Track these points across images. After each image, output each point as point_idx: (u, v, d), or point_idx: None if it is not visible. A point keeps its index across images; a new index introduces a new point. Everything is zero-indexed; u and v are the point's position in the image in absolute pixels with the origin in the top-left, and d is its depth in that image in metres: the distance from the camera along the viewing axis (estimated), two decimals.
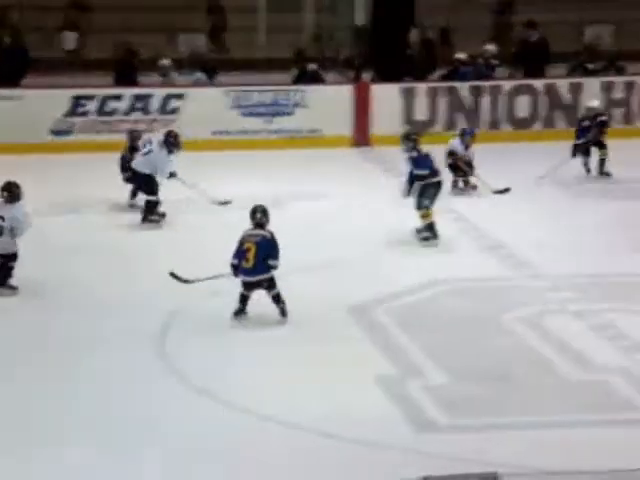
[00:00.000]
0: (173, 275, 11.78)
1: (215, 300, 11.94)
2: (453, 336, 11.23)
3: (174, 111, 18.91)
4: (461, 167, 15.78)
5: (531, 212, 15.27)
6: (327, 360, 10.64)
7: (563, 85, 19.57)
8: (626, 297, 12.25)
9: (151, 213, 14.66)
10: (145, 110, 18.91)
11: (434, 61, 20.22)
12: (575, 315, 11.73)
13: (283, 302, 11.45)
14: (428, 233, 13.82)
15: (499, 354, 10.86)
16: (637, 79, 19.70)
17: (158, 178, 14.63)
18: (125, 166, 15.20)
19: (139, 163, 14.76)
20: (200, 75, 19.73)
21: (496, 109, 19.45)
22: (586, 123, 16.75)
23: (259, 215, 11.42)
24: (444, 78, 19.83)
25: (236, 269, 11.38)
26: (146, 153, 14.80)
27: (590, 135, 16.64)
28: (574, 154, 16.56)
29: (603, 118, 16.93)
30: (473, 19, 21.54)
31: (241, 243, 11.37)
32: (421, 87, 19.46)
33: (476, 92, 19.39)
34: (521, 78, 20.02)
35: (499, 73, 20.04)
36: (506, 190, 15.44)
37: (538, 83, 19.62)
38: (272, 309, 11.49)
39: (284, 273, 11.57)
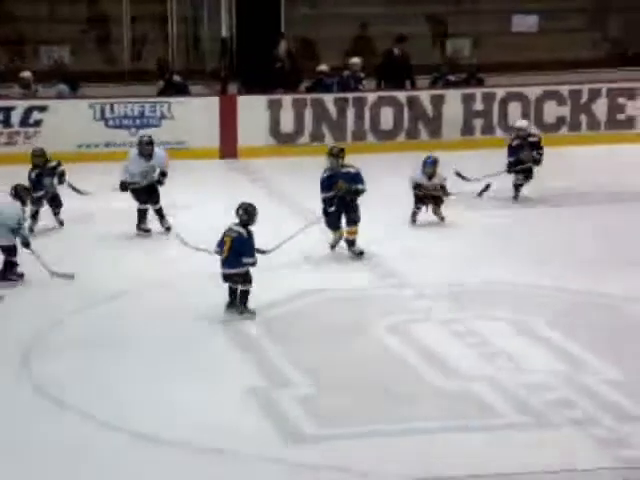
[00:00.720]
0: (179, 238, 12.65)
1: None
2: (322, 346, 11.29)
3: (38, 123, 18.69)
4: (428, 198, 15.21)
5: (399, 222, 15.37)
6: (196, 373, 10.63)
7: (425, 97, 19.80)
8: (490, 304, 12.43)
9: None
10: (6, 123, 18.65)
11: (299, 73, 20.29)
12: (440, 323, 11.89)
13: (245, 302, 11.96)
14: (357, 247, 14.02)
15: (368, 363, 10.94)
16: (496, 90, 20.00)
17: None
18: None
19: None
20: (63, 87, 19.51)
21: (362, 120, 19.60)
22: (517, 142, 16.51)
23: (241, 212, 11.97)
24: (309, 90, 19.92)
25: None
26: None
27: (524, 155, 16.40)
28: (509, 171, 16.39)
29: (535, 139, 16.69)
30: (334, 31, 21.72)
31: (222, 235, 11.96)
32: (287, 99, 19.52)
33: (341, 104, 19.52)
34: (385, 90, 20.17)
35: (366, 85, 20.14)
36: (487, 187, 16.07)
37: (401, 95, 19.83)
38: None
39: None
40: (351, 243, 13.95)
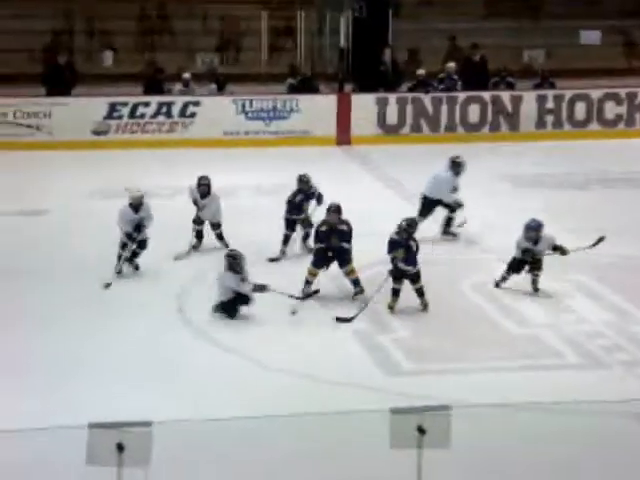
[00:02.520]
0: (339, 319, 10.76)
1: None
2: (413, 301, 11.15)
3: (193, 115, 18.96)
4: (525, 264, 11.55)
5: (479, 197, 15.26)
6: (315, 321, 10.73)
7: (506, 96, 19.60)
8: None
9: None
10: (168, 114, 18.95)
11: (400, 76, 20.27)
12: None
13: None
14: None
15: (455, 313, 10.96)
16: (565, 92, 19.73)
17: None
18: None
19: None
20: (213, 86, 19.75)
21: (453, 115, 19.48)
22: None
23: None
24: (410, 90, 19.86)
25: None
26: None
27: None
28: None
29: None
30: (432, 42, 21.67)
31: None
32: (392, 96, 19.50)
33: (438, 101, 19.46)
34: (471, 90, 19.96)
35: (461, 86, 19.94)
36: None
37: (486, 94, 19.67)
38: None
39: None
40: (355, 282, 11.37)
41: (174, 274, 11.99)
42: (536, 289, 11.44)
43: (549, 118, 19.54)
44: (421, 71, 19.78)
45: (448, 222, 13.37)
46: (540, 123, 19.53)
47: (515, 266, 11.44)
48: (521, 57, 22.33)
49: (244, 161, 17.49)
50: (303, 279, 11.19)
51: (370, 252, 11.62)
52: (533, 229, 11.32)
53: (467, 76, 19.99)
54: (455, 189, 13.33)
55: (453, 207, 13.30)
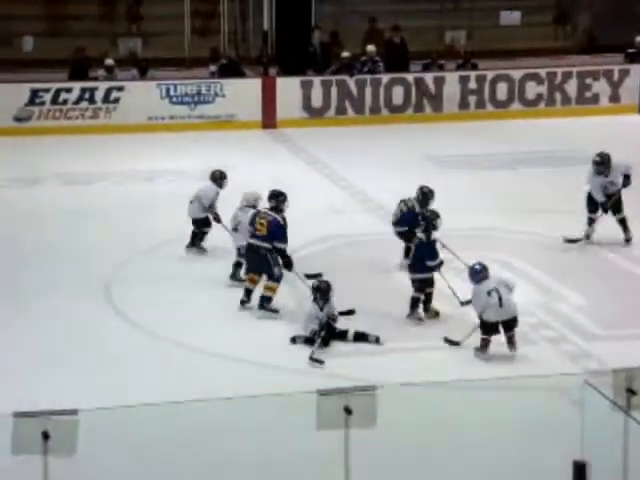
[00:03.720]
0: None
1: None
2: (346, 280, 11.12)
3: (116, 100, 18.73)
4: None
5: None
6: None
7: (429, 78, 19.69)
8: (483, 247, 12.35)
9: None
10: (91, 100, 18.69)
11: (329, 58, 20.26)
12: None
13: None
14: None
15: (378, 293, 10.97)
16: (487, 72, 19.87)
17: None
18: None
19: None
20: (134, 72, 19.53)
21: (377, 98, 19.52)
22: None
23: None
24: (334, 73, 19.83)
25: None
26: None
27: None
28: None
29: None
30: (354, 24, 21.70)
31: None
32: (317, 80, 19.47)
33: (363, 84, 19.46)
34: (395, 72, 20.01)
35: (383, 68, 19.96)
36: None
37: (409, 76, 19.74)
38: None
39: None
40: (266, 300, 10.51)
41: (104, 261, 11.86)
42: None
43: (472, 99, 19.69)
44: (346, 53, 19.78)
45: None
46: (463, 104, 19.68)
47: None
48: (443, 38, 22.46)
49: (169, 146, 17.34)
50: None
51: (300, 233, 11.57)
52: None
53: (389, 58, 20.06)
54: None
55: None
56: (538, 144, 17.38)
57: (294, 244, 11.20)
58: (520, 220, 13.10)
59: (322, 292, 9.74)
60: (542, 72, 19.86)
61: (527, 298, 10.74)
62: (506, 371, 9.03)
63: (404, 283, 10.67)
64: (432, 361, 9.37)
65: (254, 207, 11.08)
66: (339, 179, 15.36)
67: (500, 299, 9.38)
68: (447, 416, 7.55)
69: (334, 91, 19.38)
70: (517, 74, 19.78)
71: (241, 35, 22.51)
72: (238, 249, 11.14)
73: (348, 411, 5.78)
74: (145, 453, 7.11)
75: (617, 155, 12.37)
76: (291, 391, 6.71)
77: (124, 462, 7.09)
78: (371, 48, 19.79)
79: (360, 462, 6.14)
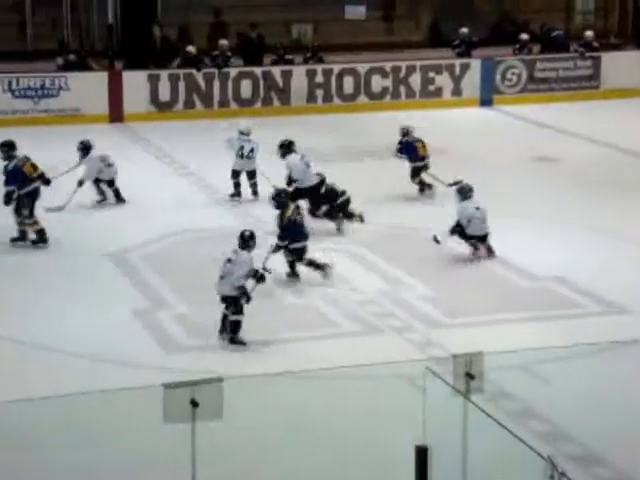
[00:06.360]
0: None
1: None
2: (193, 275, 11.21)
3: None
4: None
5: None
6: (90, 296, 10.60)
7: (277, 72, 19.81)
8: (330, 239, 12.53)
9: None
10: None
11: (171, 52, 20.14)
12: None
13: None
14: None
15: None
16: (334, 66, 20.10)
17: None
18: None
19: None
20: None
21: (225, 91, 19.53)
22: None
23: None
24: (180, 66, 19.73)
25: None
26: None
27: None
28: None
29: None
30: (202, 18, 21.61)
31: None
32: (164, 73, 19.35)
33: (211, 78, 19.43)
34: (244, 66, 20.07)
35: (233, 63, 19.97)
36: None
37: (257, 70, 19.81)
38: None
39: None
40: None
41: None
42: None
43: (319, 92, 19.88)
44: (191, 48, 19.71)
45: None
46: (310, 97, 19.86)
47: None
48: (290, 32, 22.60)
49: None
50: None
51: (148, 225, 11.53)
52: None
53: (244, 53, 20.11)
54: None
55: None
56: (384, 136, 17.69)
57: (144, 238, 11.15)
58: (369, 211, 13.30)
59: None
60: (387, 66, 20.22)
61: (375, 288, 10.98)
62: (354, 360, 9.20)
63: None
64: (281, 351, 9.47)
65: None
66: (187, 173, 15.32)
67: (483, 216, 11.60)
68: (294, 405, 7.65)
69: (181, 85, 19.30)
70: (363, 68, 20.08)
71: (85, 28, 22.14)
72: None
73: (195, 404, 5.81)
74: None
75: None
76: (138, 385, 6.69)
77: None
78: (223, 42, 19.79)
79: (207, 455, 6.18)
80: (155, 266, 11.59)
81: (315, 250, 11.12)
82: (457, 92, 20.39)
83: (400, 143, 14.31)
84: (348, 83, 19.95)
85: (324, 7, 22.45)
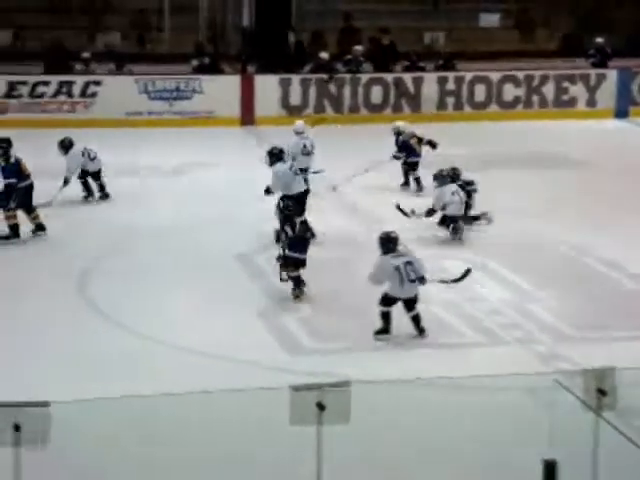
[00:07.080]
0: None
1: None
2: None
3: (94, 95, 18.69)
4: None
5: None
6: (221, 297, 10.70)
7: (408, 78, 19.77)
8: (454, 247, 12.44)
9: None
10: (69, 94, 18.64)
11: (304, 58, 20.31)
12: None
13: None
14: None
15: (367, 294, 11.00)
16: (465, 74, 19.97)
17: None
18: None
19: None
20: (112, 66, 19.51)
21: (356, 96, 19.59)
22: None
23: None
24: (312, 71, 19.87)
25: None
26: None
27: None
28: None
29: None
30: (336, 23, 21.74)
31: None
32: (295, 78, 19.51)
33: (342, 83, 19.52)
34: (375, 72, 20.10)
35: (365, 68, 20.05)
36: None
37: (389, 76, 19.81)
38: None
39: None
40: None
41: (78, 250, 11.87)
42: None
43: (450, 100, 19.77)
44: (324, 54, 19.81)
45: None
46: (441, 104, 19.76)
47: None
48: (422, 39, 22.55)
49: (147, 142, 17.32)
50: None
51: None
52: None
53: (375, 59, 20.15)
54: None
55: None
56: (515, 146, 17.49)
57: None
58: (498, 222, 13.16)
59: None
60: (520, 74, 19.98)
61: (499, 297, 10.83)
62: (478, 370, 9.08)
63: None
64: (403, 358, 9.41)
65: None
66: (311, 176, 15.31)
67: (461, 199, 12.27)
68: (420, 412, 7.60)
69: (312, 90, 19.42)
70: (495, 76, 19.89)
71: (220, 32, 22.52)
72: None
73: (321, 407, 5.81)
74: (117, 447, 7.11)
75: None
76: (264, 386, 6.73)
77: (96, 455, 7.09)
78: (358, 48, 19.87)
79: (333, 459, 6.17)
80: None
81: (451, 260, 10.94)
82: (592, 103, 20.01)
83: (397, 143, 14.67)
84: (480, 91, 19.79)
85: (457, 14, 22.35)
